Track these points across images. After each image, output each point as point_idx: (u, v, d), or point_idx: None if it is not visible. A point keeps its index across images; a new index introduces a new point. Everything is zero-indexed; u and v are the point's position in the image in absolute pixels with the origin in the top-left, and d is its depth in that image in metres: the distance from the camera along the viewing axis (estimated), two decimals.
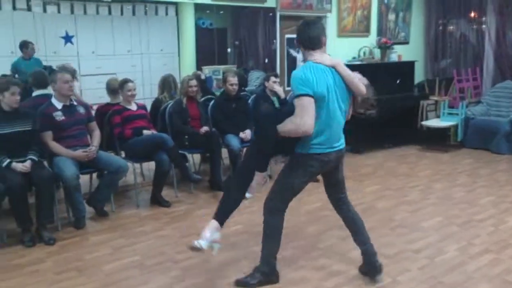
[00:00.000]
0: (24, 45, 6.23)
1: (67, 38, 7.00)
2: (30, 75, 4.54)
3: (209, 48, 10.23)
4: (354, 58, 6.64)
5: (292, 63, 6.33)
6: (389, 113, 6.44)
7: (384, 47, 6.74)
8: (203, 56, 9.95)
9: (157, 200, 4.43)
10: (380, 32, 7.02)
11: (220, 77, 10.03)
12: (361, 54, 6.71)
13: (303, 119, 2.51)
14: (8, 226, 3.73)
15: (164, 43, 9.18)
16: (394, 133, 6.70)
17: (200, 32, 9.73)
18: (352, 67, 6.25)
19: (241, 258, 3.29)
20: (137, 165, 4.76)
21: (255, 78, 9.76)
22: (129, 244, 3.57)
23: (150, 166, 4.94)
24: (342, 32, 6.59)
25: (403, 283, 2.95)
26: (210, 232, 2.76)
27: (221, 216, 2.87)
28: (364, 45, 6.74)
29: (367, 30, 6.86)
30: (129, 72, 6.97)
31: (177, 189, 4.72)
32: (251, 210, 4.26)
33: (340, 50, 6.56)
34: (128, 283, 2.99)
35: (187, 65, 9.57)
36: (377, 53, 6.87)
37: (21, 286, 2.96)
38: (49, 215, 3.68)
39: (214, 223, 2.82)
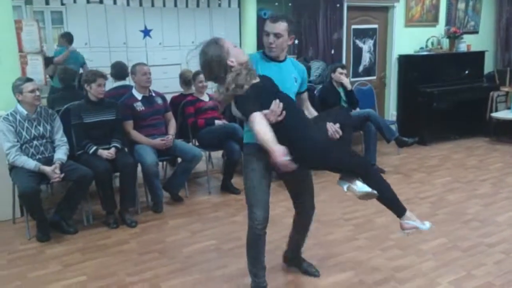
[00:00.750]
0: None
1: (146, 32, 7.31)
2: (111, 66, 4.84)
3: None
4: (421, 48, 6.48)
5: (357, 54, 6.27)
6: (456, 104, 6.29)
7: (453, 37, 6.52)
8: (264, 47, 10.04)
9: (227, 187, 4.59)
10: (449, 22, 6.79)
11: None
12: (429, 44, 6.53)
13: None
14: (92, 208, 4.02)
15: (227, 34, 9.33)
16: (461, 124, 6.52)
17: (261, 23, 9.81)
18: (420, 58, 6.23)
19: (313, 245, 3.36)
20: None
21: (315, 68, 9.74)
22: (205, 228, 3.75)
23: (217, 154, 5.14)
24: (410, 22, 6.43)
25: (479, 277, 2.92)
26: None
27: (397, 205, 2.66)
28: (431, 35, 6.56)
29: (435, 20, 6.66)
30: (193, 63, 7.20)
31: (243, 176, 4.85)
32: (319, 200, 4.30)
33: (407, 40, 6.44)
34: (208, 266, 3.14)
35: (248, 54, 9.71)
36: (445, 43, 6.66)
37: (108, 265, 3.18)
38: (132, 199, 3.93)
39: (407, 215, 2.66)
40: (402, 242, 3.39)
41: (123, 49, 7.82)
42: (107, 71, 6.59)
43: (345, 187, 2.55)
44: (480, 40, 7.19)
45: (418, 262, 3.10)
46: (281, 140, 2.17)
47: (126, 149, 4.09)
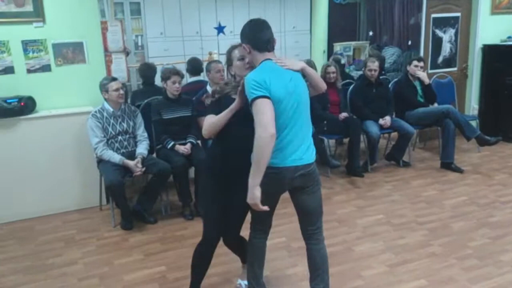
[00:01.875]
0: None
1: (220, 29, 7.45)
2: (187, 62, 5.02)
3: (341, 24, 10.07)
4: (509, 37, 6.02)
5: (437, 44, 5.95)
6: None
7: None
8: (335, 32, 9.85)
9: None
10: None
11: (351, 53, 9.88)
12: None
13: None
14: (170, 199, 4.25)
15: (297, 20, 9.29)
16: None
17: (333, 8, 9.62)
18: (507, 48, 5.80)
19: (384, 250, 3.33)
20: None
21: (389, 54, 9.41)
22: (275, 225, 3.73)
23: None
24: (496, 9, 5.98)
25: None
26: None
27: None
28: None
29: None
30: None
31: None
32: (391, 200, 4.26)
33: (493, 29, 6.02)
34: (277, 264, 3.20)
35: (319, 42, 9.60)
36: None
37: (185, 257, 3.28)
38: None
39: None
40: (480, 251, 3.25)
41: (196, 38, 8.08)
42: (181, 60, 6.87)
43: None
44: None
45: (497, 274, 2.96)
46: None
47: (200, 144, 4.26)
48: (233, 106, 2.33)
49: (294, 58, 2.54)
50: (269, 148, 2.11)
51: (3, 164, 3.95)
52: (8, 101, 3.87)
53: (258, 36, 2.28)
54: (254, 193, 2.17)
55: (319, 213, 2.49)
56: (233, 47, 2.46)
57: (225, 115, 2.35)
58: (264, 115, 2.10)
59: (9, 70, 3.99)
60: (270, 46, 2.31)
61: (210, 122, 2.39)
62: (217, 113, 2.38)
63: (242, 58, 2.39)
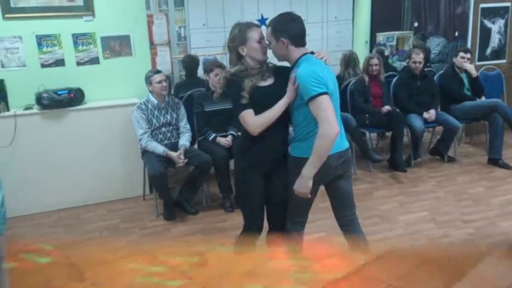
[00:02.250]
0: None
1: (262, 21, 7.44)
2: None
3: (384, 13, 9.82)
4: None
5: (485, 35, 5.70)
6: None
7: None
8: (378, 22, 9.62)
9: None
10: None
11: (394, 43, 9.63)
12: None
13: None
14: (210, 191, 4.31)
15: (339, 10, 9.13)
16: None
17: None
18: None
19: None
20: None
21: (434, 45, 9.11)
22: (314, 219, 3.75)
23: None
24: None
25: None
26: None
27: None
28: None
29: None
30: None
31: (356, 166, 4.81)
32: (435, 196, 4.17)
33: None
34: None
35: (361, 32, 9.40)
36: None
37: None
38: None
39: None
40: None
41: None
42: (222, 51, 6.90)
43: None
44: None
45: None
46: None
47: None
48: (287, 99, 2.31)
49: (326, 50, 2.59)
50: (333, 144, 2.19)
51: (53, 153, 4.11)
52: (59, 92, 4.02)
53: (297, 32, 2.30)
54: (308, 184, 2.25)
55: (353, 197, 2.58)
56: (247, 27, 2.36)
57: (279, 109, 2.31)
58: (328, 112, 2.16)
59: (60, 62, 4.14)
60: (305, 41, 2.35)
61: (263, 118, 2.31)
62: (253, 108, 2.35)
63: (260, 41, 2.35)
